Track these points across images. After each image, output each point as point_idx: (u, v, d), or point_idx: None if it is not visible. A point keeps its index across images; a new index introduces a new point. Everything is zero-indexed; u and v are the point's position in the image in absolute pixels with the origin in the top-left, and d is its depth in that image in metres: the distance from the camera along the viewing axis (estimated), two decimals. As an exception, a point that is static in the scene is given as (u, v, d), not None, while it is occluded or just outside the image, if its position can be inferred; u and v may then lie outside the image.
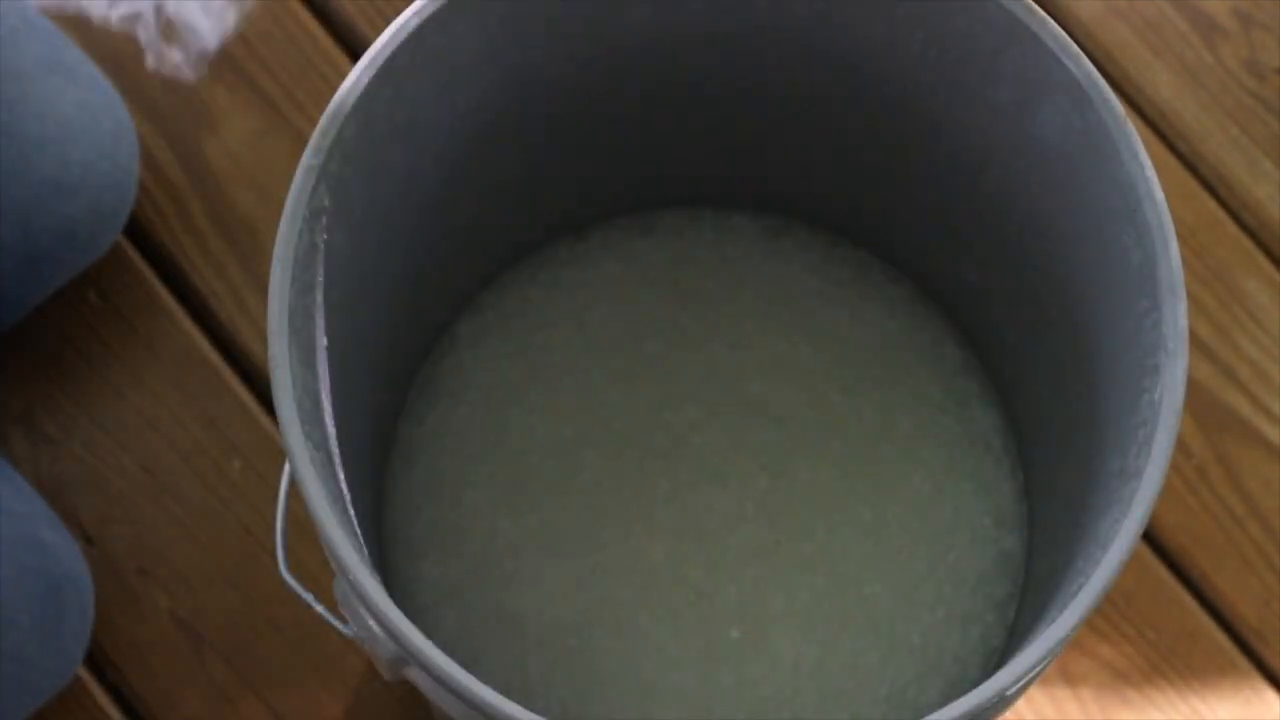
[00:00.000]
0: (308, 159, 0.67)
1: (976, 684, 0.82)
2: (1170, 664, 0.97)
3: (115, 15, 1.06)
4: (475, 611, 0.82)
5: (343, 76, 0.69)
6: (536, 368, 0.87)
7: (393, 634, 0.63)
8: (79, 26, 1.05)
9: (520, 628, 0.82)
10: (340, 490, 0.69)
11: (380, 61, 0.69)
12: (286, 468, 0.72)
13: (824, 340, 0.87)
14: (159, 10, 1.06)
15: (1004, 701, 0.63)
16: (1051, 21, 0.70)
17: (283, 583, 0.74)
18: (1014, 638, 0.82)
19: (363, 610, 0.65)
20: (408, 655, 0.63)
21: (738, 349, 0.87)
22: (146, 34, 1.05)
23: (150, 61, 1.04)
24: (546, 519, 0.84)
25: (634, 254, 0.89)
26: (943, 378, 0.87)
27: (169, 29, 1.06)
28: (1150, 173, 0.68)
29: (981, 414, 0.86)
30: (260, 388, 1.00)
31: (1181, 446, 1.00)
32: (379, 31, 0.69)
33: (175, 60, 1.05)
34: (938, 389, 0.87)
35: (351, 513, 0.70)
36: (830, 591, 0.83)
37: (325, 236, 0.69)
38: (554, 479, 0.84)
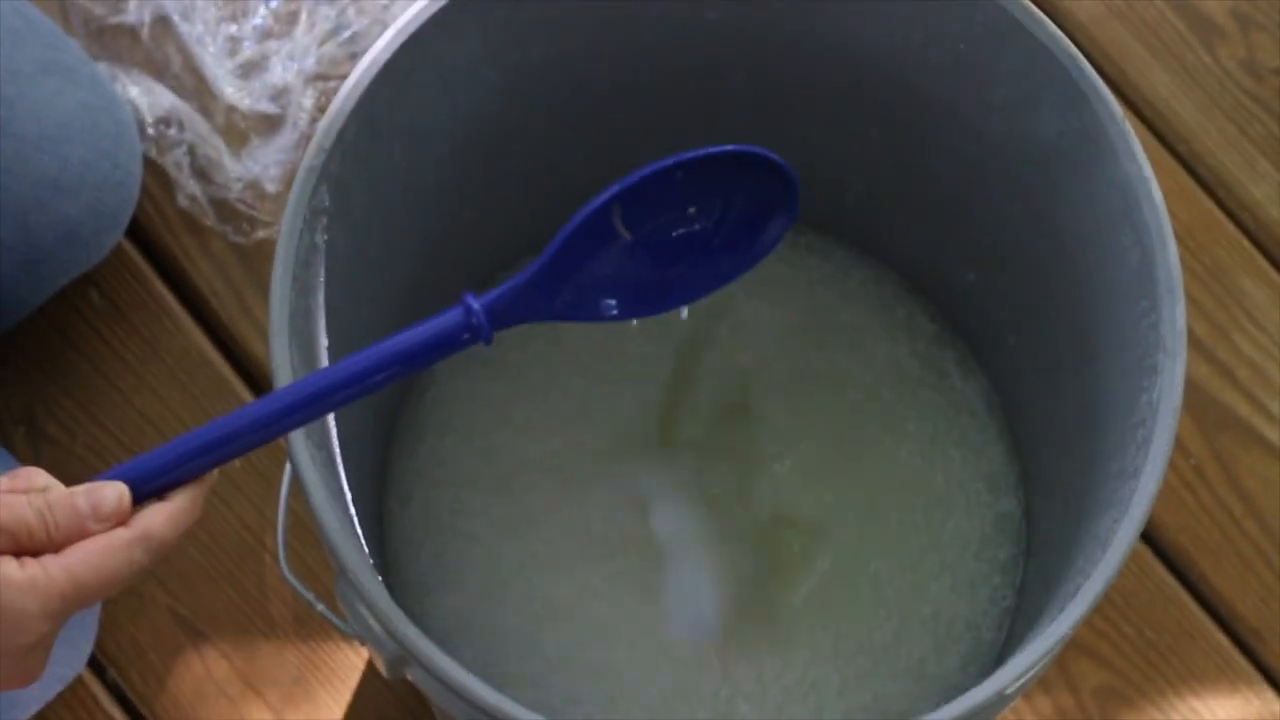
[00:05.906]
0: (309, 159, 0.67)
1: (992, 646, 0.82)
2: (1169, 663, 0.97)
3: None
4: (491, 640, 0.82)
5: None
6: (517, 385, 0.86)
7: (392, 632, 0.63)
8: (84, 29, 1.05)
9: (538, 650, 0.82)
10: (341, 489, 0.69)
11: (382, 62, 0.69)
12: (288, 467, 0.73)
13: (797, 319, 0.87)
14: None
15: (1003, 701, 0.63)
16: (1050, 22, 0.70)
17: (283, 581, 0.74)
18: (1025, 595, 0.82)
19: (363, 608, 0.65)
20: (408, 654, 0.63)
21: (711, 345, 0.87)
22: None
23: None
24: (548, 536, 0.83)
25: None
26: (917, 351, 0.87)
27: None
28: (1148, 173, 0.68)
29: (962, 382, 0.87)
30: (262, 387, 1.00)
31: (1180, 446, 1.00)
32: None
33: None
34: (915, 363, 0.87)
35: (353, 511, 0.70)
36: (837, 574, 0.83)
37: (326, 237, 0.69)
38: (550, 495, 0.84)
